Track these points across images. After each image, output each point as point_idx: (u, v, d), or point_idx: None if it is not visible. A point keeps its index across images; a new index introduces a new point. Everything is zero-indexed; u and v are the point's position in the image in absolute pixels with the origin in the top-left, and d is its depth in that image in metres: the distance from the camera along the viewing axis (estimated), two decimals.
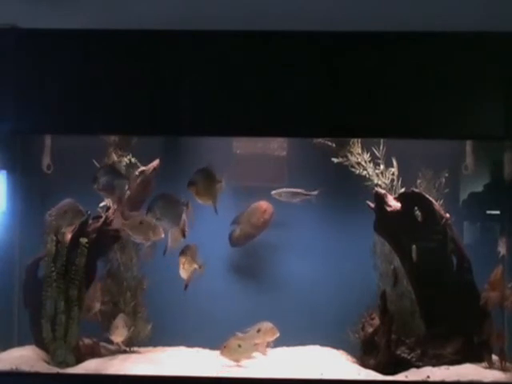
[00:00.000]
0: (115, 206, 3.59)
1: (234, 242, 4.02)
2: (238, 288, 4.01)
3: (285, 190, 3.95)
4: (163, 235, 3.50)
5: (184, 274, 3.53)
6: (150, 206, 3.41)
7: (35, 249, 3.63)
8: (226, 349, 3.51)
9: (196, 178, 3.40)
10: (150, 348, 3.86)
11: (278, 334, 3.68)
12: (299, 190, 3.95)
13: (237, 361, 3.50)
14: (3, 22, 3.43)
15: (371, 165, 3.82)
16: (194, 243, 3.54)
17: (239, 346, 3.51)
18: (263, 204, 3.97)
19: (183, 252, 3.52)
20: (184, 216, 3.46)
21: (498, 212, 4.01)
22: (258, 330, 3.66)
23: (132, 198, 3.69)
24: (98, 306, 3.63)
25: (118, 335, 3.60)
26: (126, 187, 3.57)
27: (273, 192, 3.94)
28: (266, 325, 3.67)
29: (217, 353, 3.68)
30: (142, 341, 3.84)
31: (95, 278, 3.63)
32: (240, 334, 3.58)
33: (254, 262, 4.07)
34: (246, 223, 3.98)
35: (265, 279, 4.05)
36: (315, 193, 3.93)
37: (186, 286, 3.53)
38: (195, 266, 3.54)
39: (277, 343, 3.77)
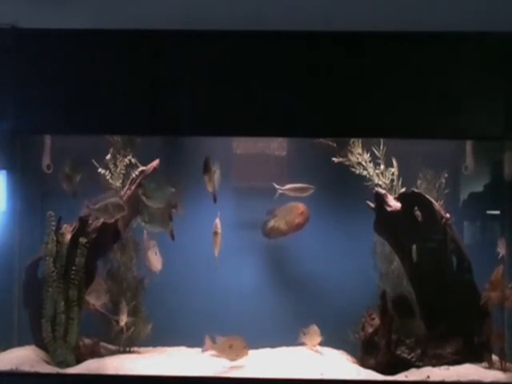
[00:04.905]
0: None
1: (265, 232, 3.99)
2: (238, 288, 4.00)
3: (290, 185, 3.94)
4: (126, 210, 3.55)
5: (210, 187, 3.54)
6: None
7: (35, 249, 3.63)
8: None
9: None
10: (149, 348, 3.86)
11: (318, 345, 3.73)
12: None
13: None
14: (3, 22, 3.43)
15: (371, 165, 3.82)
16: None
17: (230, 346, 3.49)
18: (301, 206, 3.93)
19: (207, 170, 3.52)
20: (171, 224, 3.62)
21: (498, 212, 4.01)
22: (305, 333, 3.72)
23: (131, 198, 3.69)
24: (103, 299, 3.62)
25: (95, 298, 3.55)
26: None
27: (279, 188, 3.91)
28: (314, 330, 3.71)
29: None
30: (142, 341, 3.84)
31: (95, 277, 3.62)
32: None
33: (253, 261, 4.06)
34: (281, 218, 3.95)
35: (264, 279, 4.05)
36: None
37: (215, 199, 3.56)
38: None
39: (277, 343, 3.78)
